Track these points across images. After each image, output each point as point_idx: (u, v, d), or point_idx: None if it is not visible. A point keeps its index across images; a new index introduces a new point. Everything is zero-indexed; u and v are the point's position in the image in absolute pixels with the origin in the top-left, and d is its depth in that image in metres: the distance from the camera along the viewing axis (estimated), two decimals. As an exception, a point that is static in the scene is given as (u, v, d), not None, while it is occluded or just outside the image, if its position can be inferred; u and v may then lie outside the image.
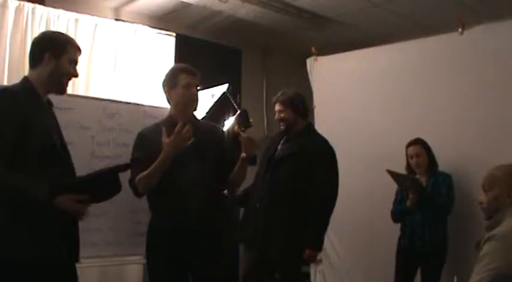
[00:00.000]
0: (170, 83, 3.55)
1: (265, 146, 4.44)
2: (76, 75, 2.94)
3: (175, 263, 3.43)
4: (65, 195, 2.61)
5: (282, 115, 4.20)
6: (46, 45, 2.84)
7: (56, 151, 2.77)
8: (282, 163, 4.11)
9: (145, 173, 3.35)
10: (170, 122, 3.50)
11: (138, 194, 3.51)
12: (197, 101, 3.60)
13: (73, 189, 2.68)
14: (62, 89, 2.90)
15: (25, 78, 2.83)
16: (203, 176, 3.41)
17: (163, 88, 3.61)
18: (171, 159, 3.28)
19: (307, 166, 4.04)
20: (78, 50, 2.94)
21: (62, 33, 3.12)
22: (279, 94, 4.29)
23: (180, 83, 3.50)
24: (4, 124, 2.59)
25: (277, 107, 4.24)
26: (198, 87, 3.61)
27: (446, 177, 4.60)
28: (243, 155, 3.51)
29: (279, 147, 4.24)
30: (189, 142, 3.25)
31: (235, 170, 3.58)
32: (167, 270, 3.45)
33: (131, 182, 3.44)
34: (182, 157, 3.29)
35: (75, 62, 2.91)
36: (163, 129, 3.26)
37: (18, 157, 2.60)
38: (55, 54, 2.80)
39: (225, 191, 3.90)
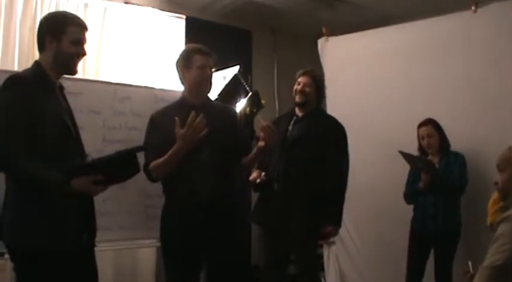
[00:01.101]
0: (184, 63, 3.51)
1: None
2: (83, 54, 2.88)
3: (190, 246, 3.42)
4: (81, 177, 2.61)
5: (307, 89, 4.19)
6: (46, 28, 2.83)
7: (70, 133, 2.77)
8: (296, 144, 4.11)
9: (159, 161, 3.33)
10: (183, 104, 3.51)
11: (152, 179, 3.51)
12: (211, 82, 3.57)
13: (89, 170, 2.69)
14: (70, 70, 2.88)
15: (36, 63, 2.83)
16: (216, 159, 3.39)
17: (177, 68, 3.58)
18: (185, 151, 3.24)
19: (322, 145, 4.07)
20: (82, 28, 2.87)
21: (62, 13, 3.10)
22: (309, 68, 4.29)
23: (195, 64, 3.46)
24: (18, 112, 2.59)
25: (303, 79, 4.22)
26: (213, 69, 3.59)
27: (459, 157, 4.58)
28: (262, 143, 3.48)
29: (290, 127, 4.22)
30: (203, 133, 3.20)
31: (250, 157, 3.59)
32: (181, 253, 3.46)
33: (145, 167, 3.42)
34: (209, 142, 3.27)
35: (80, 41, 2.85)
36: (177, 119, 3.18)
37: (34, 142, 2.60)
38: (55, 36, 2.78)
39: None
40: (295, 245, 4.14)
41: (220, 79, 5.15)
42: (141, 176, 4.36)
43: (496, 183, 2.82)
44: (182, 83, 3.60)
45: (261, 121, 3.63)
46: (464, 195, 4.55)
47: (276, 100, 7.32)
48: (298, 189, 4.05)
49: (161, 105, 4.20)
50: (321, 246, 5.52)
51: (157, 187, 4.20)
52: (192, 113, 3.17)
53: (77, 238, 2.75)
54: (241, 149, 3.57)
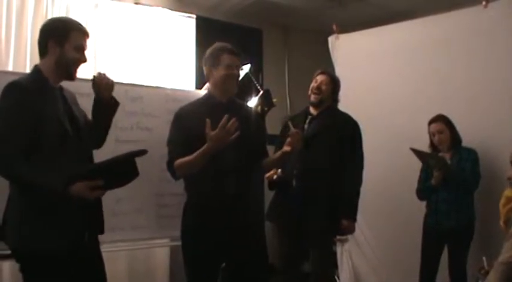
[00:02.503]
0: (212, 61, 3.54)
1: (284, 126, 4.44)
2: (84, 61, 2.91)
3: (212, 244, 3.41)
4: (80, 183, 2.62)
5: (324, 86, 4.22)
6: (48, 33, 2.85)
7: (69, 138, 2.78)
8: (314, 140, 4.10)
9: (185, 160, 3.34)
10: (209, 101, 3.54)
11: (175, 177, 3.54)
12: (237, 81, 3.61)
13: (88, 176, 2.69)
14: (70, 76, 2.90)
15: (35, 68, 2.85)
16: (239, 159, 3.40)
17: (204, 65, 3.61)
18: (213, 152, 3.24)
19: (338, 142, 4.11)
20: (84, 34, 2.90)
21: (65, 20, 3.10)
22: (327, 69, 4.34)
23: (222, 63, 3.49)
24: (18, 118, 2.62)
25: (322, 78, 4.25)
26: (240, 68, 3.64)
27: (471, 153, 4.56)
28: (288, 148, 3.51)
29: (306, 126, 4.24)
30: (234, 136, 3.20)
31: (272, 159, 3.66)
32: (204, 251, 3.44)
33: (169, 164, 3.46)
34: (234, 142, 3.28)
35: (82, 48, 2.88)
36: (208, 121, 3.17)
37: (34, 147, 2.64)
38: (58, 41, 2.81)
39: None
40: (313, 242, 4.15)
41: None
42: (154, 174, 4.39)
43: (510, 178, 2.81)
44: (208, 80, 3.63)
45: (290, 126, 3.66)
46: (478, 190, 4.52)
47: (288, 98, 7.32)
48: (318, 186, 4.07)
49: (173, 105, 4.21)
50: (334, 243, 5.52)
51: (170, 186, 4.21)
52: (226, 116, 3.16)
53: (79, 238, 2.78)
54: (263, 150, 3.62)
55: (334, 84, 4.29)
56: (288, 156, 3.59)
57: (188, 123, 3.44)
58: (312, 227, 4.06)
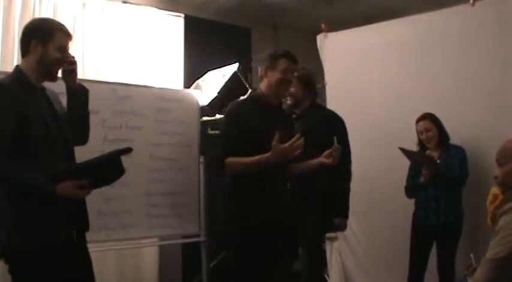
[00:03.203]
0: (269, 63, 3.61)
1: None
2: (65, 62, 2.89)
3: (268, 242, 3.48)
4: (66, 182, 2.63)
5: (293, 89, 4.21)
6: (32, 33, 2.84)
7: (54, 137, 2.78)
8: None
9: (240, 161, 3.41)
10: (262, 101, 3.61)
11: (219, 171, 3.60)
12: (290, 86, 3.73)
13: (74, 175, 2.70)
14: (52, 77, 2.89)
15: (17, 68, 2.84)
16: (286, 162, 3.51)
17: (260, 66, 3.69)
18: (274, 163, 3.31)
19: (327, 138, 4.07)
20: (67, 36, 2.90)
21: (49, 20, 3.12)
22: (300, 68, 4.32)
23: (279, 67, 3.56)
24: (1, 119, 2.61)
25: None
26: (295, 74, 3.75)
27: (459, 151, 4.58)
28: (327, 161, 3.59)
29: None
30: (297, 152, 3.31)
31: (306, 165, 3.71)
32: (261, 249, 3.47)
33: (219, 159, 3.49)
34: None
35: (65, 49, 2.87)
36: (278, 135, 3.24)
37: (19, 147, 2.63)
38: (41, 41, 2.79)
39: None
40: (305, 240, 4.17)
41: (220, 77, 5.17)
42: (143, 174, 4.38)
43: (496, 177, 2.82)
44: (261, 79, 3.70)
45: (335, 141, 3.70)
46: (466, 188, 4.54)
47: (276, 97, 7.31)
48: (310, 185, 4.08)
49: (162, 104, 4.23)
50: (324, 241, 5.53)
51: (159, 186, 4.21)
52: (297, 135, 3.28)
53: (67, 236, 2.78)
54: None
55: (304, 82, 4.29)
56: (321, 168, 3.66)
57: (243, 121, 3.50)
58: (302, 225, 4.07)
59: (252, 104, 3.61)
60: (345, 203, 4.20)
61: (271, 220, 3.46)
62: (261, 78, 3.67)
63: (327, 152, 3.59)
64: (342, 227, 4.28)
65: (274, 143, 3.23)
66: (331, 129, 4.10)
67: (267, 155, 3.28)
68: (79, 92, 3.03)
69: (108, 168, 2.87)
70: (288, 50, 3.66)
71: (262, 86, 3.66)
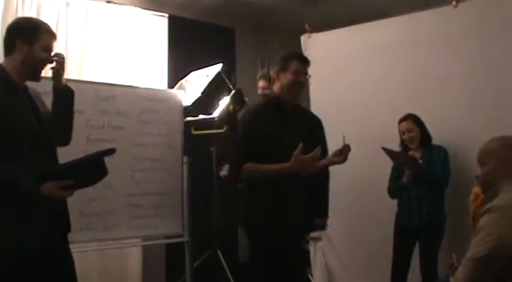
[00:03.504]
0: (281, 66, 3.62)
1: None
2: (50, 62, 2.91)
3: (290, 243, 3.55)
4: (50, 182, 2.62)
5: (266, 92, 4.20)
6: (18, 31, 2.84)
7: (37, 136, 2.77)
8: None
9: (259, 169, 3.43)
10: (277, 103, 3.62)
11: (236, 176, 3.60)
12: (302, 88, 3.71)
13: (58, 175, 2.69)
14: (36, 76, 2.88)
15: None
16: None
17: (273, 68, 3.70)
18: (293, 173, 3.36)
19: (310, 137, 4.06)
20: (52, 36, 2.91)
21: (35, 19, 3.13)
22: (264, 70, 4.31)
23: (291, 69, 3.57)
24: None
25: (261, 83, 4.26)
26: (308, 76, 3.72)
27: (441, 151, 4.61)
28: (337, 159, 3.68)
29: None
30: (315, 167, 3.40)
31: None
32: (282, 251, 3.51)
33: (237, 164, 3.50)
34: (292, 146, 3.36)
35: (50, 49, 2.88)
36: (301, 145, 3.28)
37: (2, 146, 2.62)
38: (28, 41, 2.79)
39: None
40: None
41: (203, 77, 5.17)
42: (126, 175, 4.36)
43: (477, 177, 2.84)
44: (273, 83, 3.72)
45: (344, 140, 3.75)
46: (448, 188, 4.58)
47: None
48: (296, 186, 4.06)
49: (145, 104, 4.22)
50: (307, 242, 5.54)
51: (142, 187, 4.20)
52: (318, 149, 3.33)
53: (48, 236, 2.76)
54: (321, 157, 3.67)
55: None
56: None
57: (260, 125, 3.51)
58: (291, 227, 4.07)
59: (268, 108, 3.61)
60: (326, 202, 4.17)
61: (292, 222, 3.51)
62: (273, 81, 3.68)
63: (335, 151, 3.64)
64: (324, 226, 4.31)
65: (296, 153, 3.26)
66: (314, 130, 4.10)
67: (288, 164, 3.31)
68: (64, 92, 3.03)
69: (92, 169, 2.86)
70: (299, 52, 3.74)
71: (276, 88, 3.67)
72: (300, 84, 3.61)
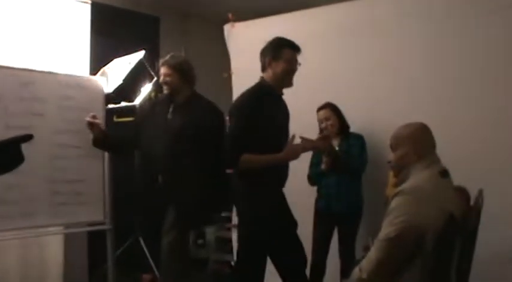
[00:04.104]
0: (273, 54, 3.71)
1: (144, 110, 4.50)
2: None
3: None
4: None
5: (168, 79, 4.17)
6: None
7: None
8: (180, 135, 4.08)
9: (257, 159, 3.54)
10: (271, 92, 3.75)
11: (235, 167, 3.67)
12: (293, 76, 3.81)
13: None
14: None
15: None
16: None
17: (264, 57, 3.77)
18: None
19: (205, 135, 4.06)
20: None
21: None
22: (167, 57, 4.27)
23: (284, 57, 3.70)
24: None
25: (162, 70, 4.20)
26: (299, 64, 3.82)
27: (359, 139, 4.73)
28: (318, 144, 4.02)
29: (169, 116, 4.20)
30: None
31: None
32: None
33: (235, 155, 3.53)
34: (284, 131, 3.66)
35: None
36: (293, 135, 3.57)
37: None
38: None
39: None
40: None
41: (126, 64, 5.13)
42: (46, 161, 4.28)
43: (390, 162, 2.96)
44: (264, 70, 3.80)
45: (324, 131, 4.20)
46: (365, 174, 4.71)
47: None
48: (188, 183, 4.06)
49: (66, 91, 4.16)
50: (229, 229, 5.59)
51: (63, 174, 4.13)
52: (293, 136, 3.60)
53: None
54: None
55: (177, 71, 4.18)
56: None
57: (257, 113, 3.59)
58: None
59: (262, 96, 3.68)
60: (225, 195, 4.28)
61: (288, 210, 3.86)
62: (264, 68, 3.75)
63: (320, 136, 3.79)
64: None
65: (289, 143, 3.50)
66: (211, 121, 4.12)
67: (283, 153, 3.54)
68: None
69: (7, 155, 2.81)
70: (290, 40, 3.80)
71: (267, 76, 3.74)
72: (292, 72, 3.74)
